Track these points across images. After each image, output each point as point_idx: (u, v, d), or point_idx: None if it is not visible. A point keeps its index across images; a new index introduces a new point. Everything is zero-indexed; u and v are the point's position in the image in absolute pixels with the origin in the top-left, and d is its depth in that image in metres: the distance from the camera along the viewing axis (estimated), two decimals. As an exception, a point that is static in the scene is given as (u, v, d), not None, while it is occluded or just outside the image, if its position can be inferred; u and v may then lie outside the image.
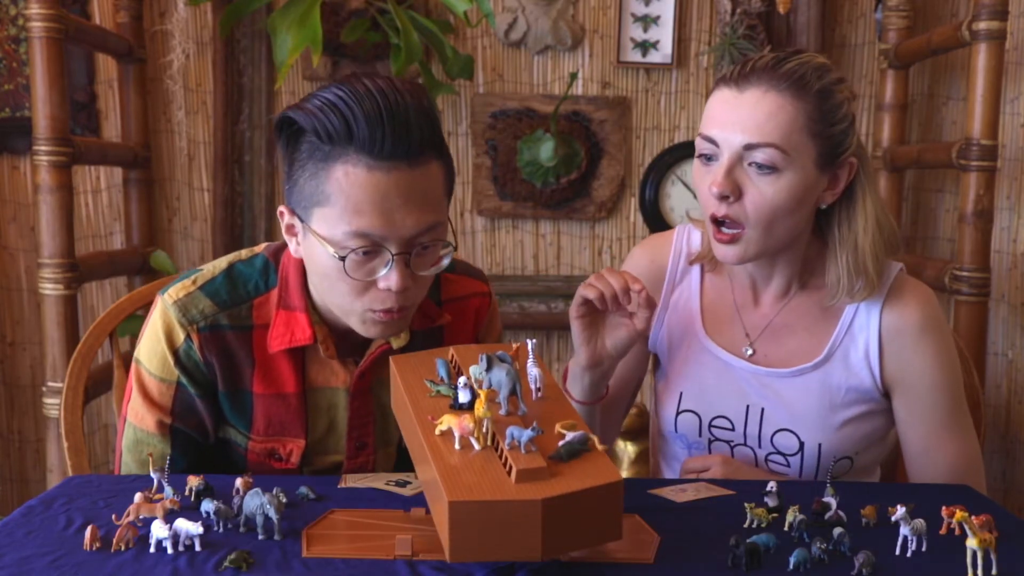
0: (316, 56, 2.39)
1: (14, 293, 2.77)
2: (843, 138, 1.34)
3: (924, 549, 1.07)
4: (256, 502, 1.10)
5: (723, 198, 1.33)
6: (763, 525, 1.14)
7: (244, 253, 1.43)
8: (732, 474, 1.40)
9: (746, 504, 1.17)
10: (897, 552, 1.07)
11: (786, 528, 1.13)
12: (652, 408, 1.61)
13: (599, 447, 1.04)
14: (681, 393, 1.49)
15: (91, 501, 1.23)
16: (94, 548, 1.05)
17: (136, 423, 1.39)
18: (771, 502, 1.20)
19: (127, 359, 1.81)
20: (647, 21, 2.72)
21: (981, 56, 2.19)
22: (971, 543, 0.98)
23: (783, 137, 1.30)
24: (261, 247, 1.44)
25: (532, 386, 1.14)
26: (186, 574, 0.99)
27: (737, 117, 1.32)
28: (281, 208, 1.31)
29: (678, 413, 1.49)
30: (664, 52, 2.73)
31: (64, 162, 2.21)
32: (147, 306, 1.74)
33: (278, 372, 1.37)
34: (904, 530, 1.07)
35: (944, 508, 1.12)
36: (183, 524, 1.05)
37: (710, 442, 1.47)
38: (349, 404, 1.40)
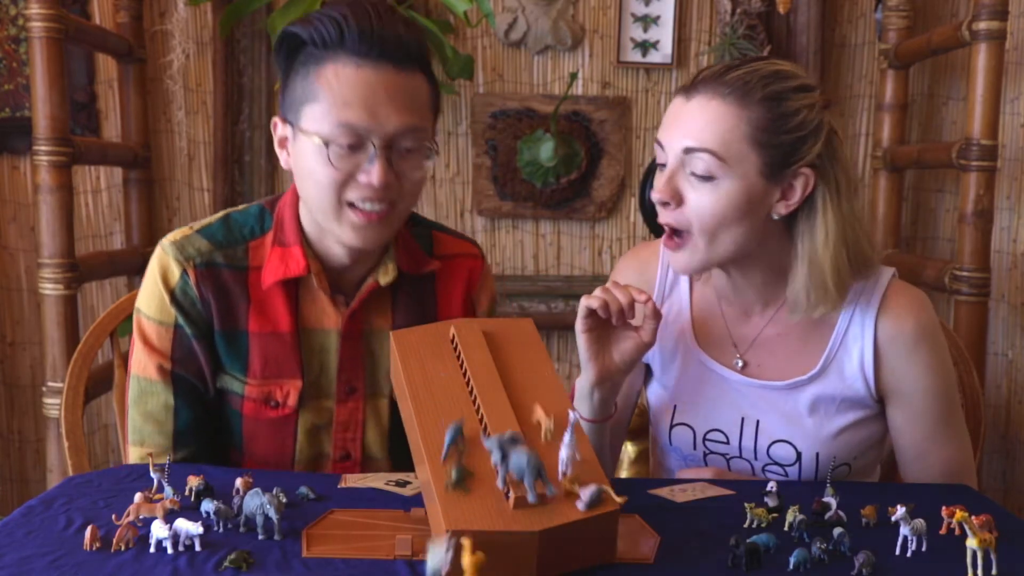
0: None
1: (14, 293, 2.77)
2: (796, 147, 1.30)
3: (924, 549, 1.07)
4: (256, 502, 1.10)
5: (664, 204, 1.34)
6: (763, 525, 1.14)
7: (240, 206, 1.48)
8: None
9: (746, 504, 1.17)
10: (897, 552, 1.07)
11: (786, 528, 1.13)
12: (652, 426, 1.60)
13: (616, 500, 1.01)
14: (675, 406, 1.47)
15: (91, 501, 1.23)
16: (94, 548, 1.05)
17: (139, 373, 1.41)
18: (771, 502, 1.20)
19: (127, 359, 1.82)
20: (647, 21, 2.72)
21: (981, 56, 2.19)
22: (971, 543, 0.98)
23: (721, 144, 1.28)
24: (256, 201, 1.49)
25: (560, 468, 1.03)
26: (186, 574, 0.99)
27: (681, 123, 1.32)
28: (275, 119, 1.37)
29: (672, 427, 1.47)
30: (664, 52, 2.73)
31: (64, 162, 2.21)
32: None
33: (273, 310, 1.40)
34: (904, 530, 1.07)
35: (944, 508, 1.12)
36: (183, 524, 1.05)
37: (705, 455, 1.46)
38: (340, 346, 1.42)
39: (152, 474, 1.26)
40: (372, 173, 1.29)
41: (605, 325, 1.36)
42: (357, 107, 1.28)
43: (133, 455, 1.45)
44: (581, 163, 2.69)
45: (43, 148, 2.18)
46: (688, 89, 1.34)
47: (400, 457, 1.43)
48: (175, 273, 1.38)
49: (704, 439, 1.45)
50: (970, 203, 2.24)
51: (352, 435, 1.45)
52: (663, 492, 1.29)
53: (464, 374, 1.16)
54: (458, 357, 1.17)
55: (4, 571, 1.00)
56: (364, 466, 1.45)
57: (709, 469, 1.42)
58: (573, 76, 2.66)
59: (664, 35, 2.72)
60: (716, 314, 1.47)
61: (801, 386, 1.41)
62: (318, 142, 1.28)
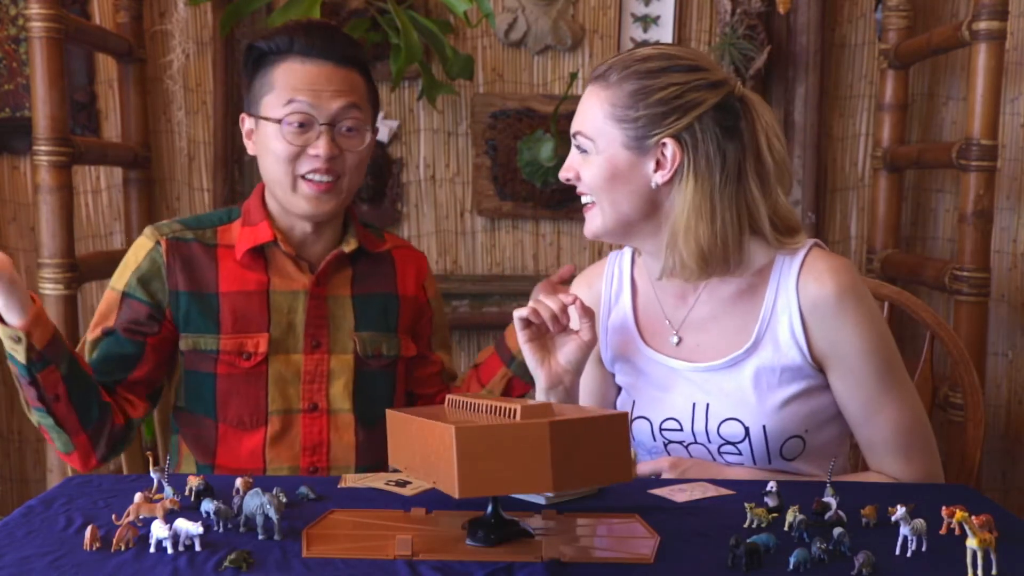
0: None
1: (14, 293, 2.76)
2: (655, 121, 1.40)
3: (924, 549, 1.07)
4: (256, 502, 1.10)
5: (567, 180, 1.52)
6: (763, 525, 1.14)
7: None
8: (684, 473, 1.41)
9: (746, 504, 1.17)
10: (897, 552, 1.07)
11: (786, 528, 1.13)
12: None
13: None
14: (634, 402, 1.54)
15: (91, 501, 1.23)
16: (94, 548, 1.05)
17: (88, 337, 1.61)
18: (771, 502, 1.20)
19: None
20: (647, 21, 2.72)
21: (981, 56, 2.19)
22: (971, 543, 0.98)
23: (588, 125, 1.46)
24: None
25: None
26: (186, 574, 0.99)
27: (576, 114, 1.50)
28: (242, 115, 1.66)
29: (632, 421, 1.52)
30: (664, 52, 2.72)
31: (64, 162, 2.20)
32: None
33: (243, 275, 1.62)
34: (904, 530, 1.07)
35: (944, 508, 1.12)
36: (183, 524, 1.05)
37: (665, 445, 1.50)
38: (307, 305, 1.63)
39: (152, 474, 1.26)
40: (319, 146, 1.56)
41: (545, 334, 1.49)
42: (303, 92, 1.57)
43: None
44: (581, 163, 2.69)
45: (43, 148, 2.18)
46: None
47: (365, 410, 1.65)
48: (147, 246, 1.62)
49: (661, 429, 1.49)
50: (970, 203, 2.24)
51: (318, 386, 1.63)
52: (663, 492, 1.30)
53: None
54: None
55: (4, 571, 1.00)
56: (331, 417, 1.63)
57: (665, 459, 1.44)
58: (573, 76, 2.66)
59: (664, 35, 2.71)
60: (653, 301, 1.56)
61: (740, 361, 1.45)
62: (275, 124, 1.57)
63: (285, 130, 1.56)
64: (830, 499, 1.18)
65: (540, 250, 2.80)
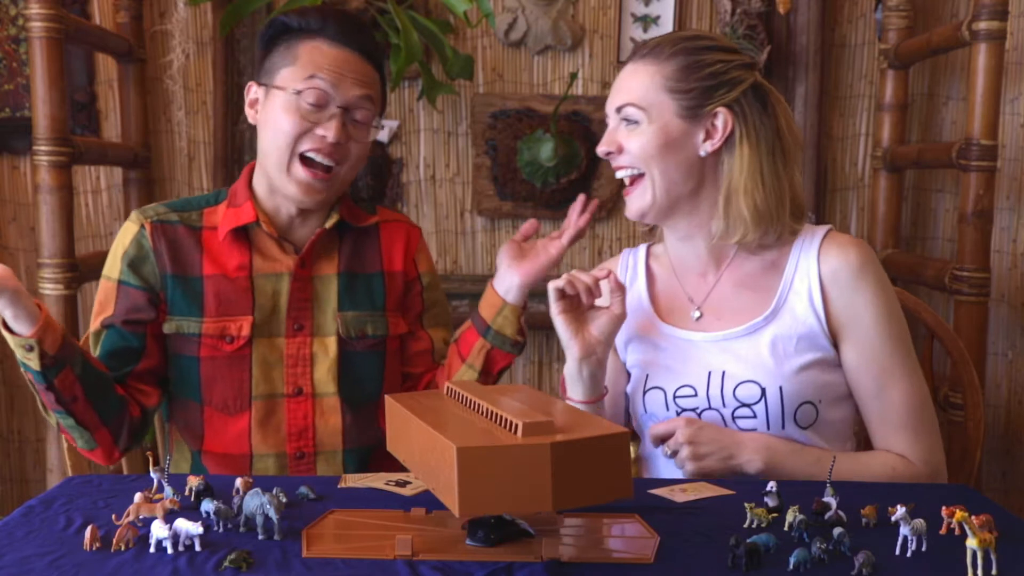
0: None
1: (14, 293, 2.76)
2: (709, 92, 1.50)
3: (924, 549, 1.07)
4: (256, 502, 1.10)
5: (608, 154, 1.55)
6: (763, 525, 1.15)
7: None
8: (698, 433, 1.45)
9: (746, 504, 1.17)
10: (897, 552, 1.07)
11: (786, 528, 1.13)
12: (632, 412, 1.64)
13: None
14: (647, 375, 1.57)
15: (91, 501, 1.23)
16: (94, 548, 1.05)
17: (91, 329, 1.59)
18: (771, 502, 1.20)
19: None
20: (647, 21, 2.72)
21: (981, 56, 2.19)
22: (971, 543, 0.98)
23: (639, 95, 1.51)
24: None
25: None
26: (186, 574, 0.99)
27: (614, 90, 1.57)
28: (249, 83, 1.63)
29: (645, 392, 1.56)
30: (664, 52, 2.73)
31: (64, 162, 2.20)
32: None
33: (226, 257, 1.60)
34: (904, 530, 1.07)
35: (944, 508, 1.12)
36: (183, 524, 1.05)
37: (677, 414, 1.52)
38: (290, 287, 1.61)
39: (152, 474, 1.26)
40: (330, 128, 1.54)
41: (578, 307, 1.53)
42: (327, 72, 1.55)
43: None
44: (581, 163, 2.69)
45: (43, 148, 2.18)
46: (621, 65, 1.57)
47: (351, 393, 1.63)
48: (133, 230, 1.60)
49: (675, 397, 1.53)
50: (970, 203, 2.24)
51: (302, 370, 1.61)
52: (663, 492, 1.30)
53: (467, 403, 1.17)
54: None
55: (4, 571, 1.00)
56: (316, 401, 1.61)
57: (679, 419, 1.48)
58: (573, 76, 2.66)
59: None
60: (673, 284, 1.63)
61: (758, 328, 1.51)
62: (290, 93, 1.54)
63: (301, 103, 1.54)
64: (830, 499, 1.18)
65: (540, 250, 2.80)
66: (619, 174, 1.56)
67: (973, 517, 0.99)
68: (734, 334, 1.52)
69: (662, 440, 1.49)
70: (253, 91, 1.62)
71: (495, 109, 2.73)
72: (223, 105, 2.67)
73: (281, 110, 1.55)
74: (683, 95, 1.50)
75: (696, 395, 1.51)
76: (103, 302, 1.59)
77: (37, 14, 2.12)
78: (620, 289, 1.51)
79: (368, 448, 1.63)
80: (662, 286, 1.64)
